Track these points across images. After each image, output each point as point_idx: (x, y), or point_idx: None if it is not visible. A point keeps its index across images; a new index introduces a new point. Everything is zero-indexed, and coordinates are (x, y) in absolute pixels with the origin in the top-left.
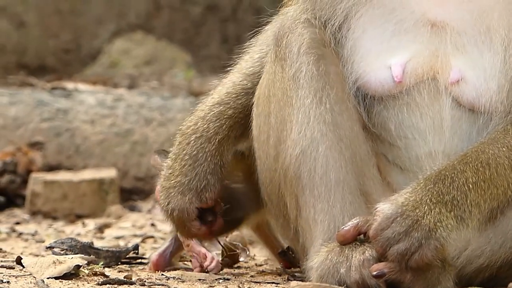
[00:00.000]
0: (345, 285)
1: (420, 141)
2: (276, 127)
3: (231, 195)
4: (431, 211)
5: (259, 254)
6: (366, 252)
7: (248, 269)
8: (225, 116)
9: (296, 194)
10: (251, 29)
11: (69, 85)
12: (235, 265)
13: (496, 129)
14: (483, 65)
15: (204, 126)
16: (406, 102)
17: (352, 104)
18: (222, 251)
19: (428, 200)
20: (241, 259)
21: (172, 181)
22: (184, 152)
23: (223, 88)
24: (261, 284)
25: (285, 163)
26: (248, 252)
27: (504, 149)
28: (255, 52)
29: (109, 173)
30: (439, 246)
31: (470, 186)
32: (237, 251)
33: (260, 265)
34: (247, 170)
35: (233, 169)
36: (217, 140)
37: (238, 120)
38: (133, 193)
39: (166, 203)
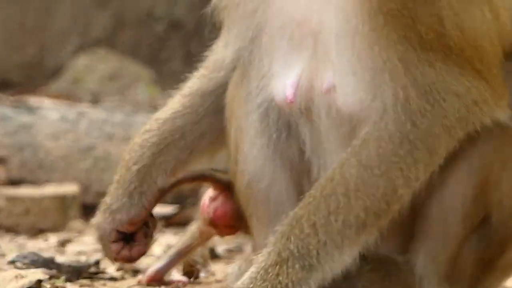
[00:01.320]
0: None
1: (325, 155)
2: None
3: None
4: None
5: (220, 270)
6: None
7: (207, 284)
8: (148, 145)
9: (250, 215)
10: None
11: (33, 100)
12: (195, 280)
13: (355, 142)
14: (349, 69)
15: (128, 156)
16: (304, 120)
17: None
18: (183, 266)
19: None
20: (202, 274)
21: (104, 201)
22: (116, 177)
23: (159, 113)
24: None
25: (240, 188)
26: (209, 268)
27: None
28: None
29: (71, 188)
30: None
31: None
32: (197, 266)
33: (220, 281)
34: None
35: None
36: (135, 169)
37: (165, 146)
38: (95, 208)
39: (94, 220)
